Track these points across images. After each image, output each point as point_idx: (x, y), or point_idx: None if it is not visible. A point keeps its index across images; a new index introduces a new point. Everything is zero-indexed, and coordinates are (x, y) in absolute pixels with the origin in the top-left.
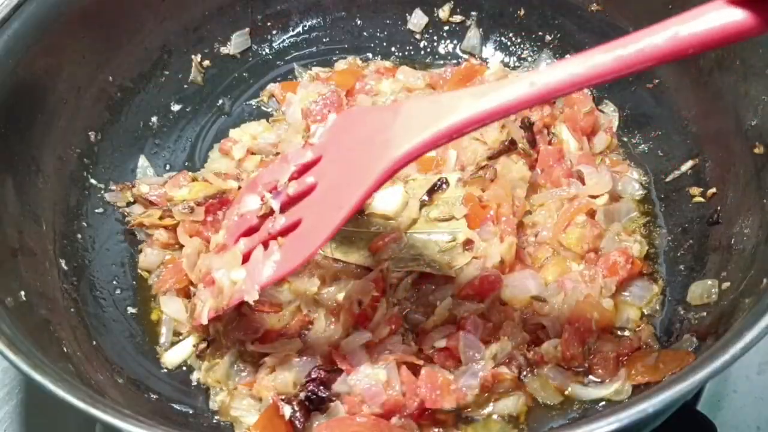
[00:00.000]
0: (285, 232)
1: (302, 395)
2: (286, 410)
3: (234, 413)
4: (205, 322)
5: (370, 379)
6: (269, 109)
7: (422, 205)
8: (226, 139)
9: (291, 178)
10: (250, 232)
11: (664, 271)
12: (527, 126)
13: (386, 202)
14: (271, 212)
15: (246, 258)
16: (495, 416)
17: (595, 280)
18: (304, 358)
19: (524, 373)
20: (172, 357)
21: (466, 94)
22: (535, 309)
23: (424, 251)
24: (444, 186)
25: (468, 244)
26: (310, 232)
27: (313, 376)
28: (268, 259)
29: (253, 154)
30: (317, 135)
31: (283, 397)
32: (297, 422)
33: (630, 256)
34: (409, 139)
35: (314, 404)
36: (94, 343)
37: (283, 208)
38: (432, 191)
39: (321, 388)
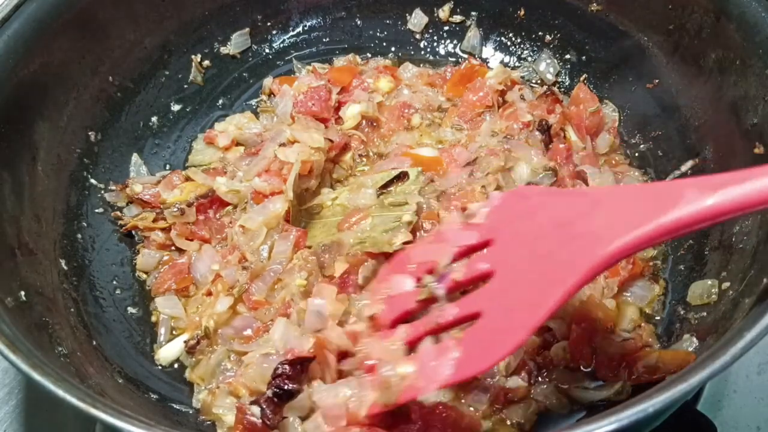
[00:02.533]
0: (458, 323)
1: (269, 392)
2: (255, 411)
3: (216, 411)
4: (364, 415)
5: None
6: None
7: (380, 193)
8: (211, 129)
9: (453, 260)
10: (407, 315)
11: (666, 272)
12: (545, 128)
13: None
14: (433, 298)
15: (409, 345)
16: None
17: (598, 280)
18: (272, 356)
19: (535, 378)
20: (165, 353)
21: (687, 185)
22: None
23: (371, 233)
24: (404, 178)
25: (413, 228)
26: (500, 330)
27: (279, 372)
28: (445, 356)
29: (237, 144)
30: (479, 215)
31: (253, 398)
32: (267, 420)
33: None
34: (622, 231)
35: (282, 399)
36: (94, 343)
37: (449, 294)
38: (391, 182)
39: (287, 382)
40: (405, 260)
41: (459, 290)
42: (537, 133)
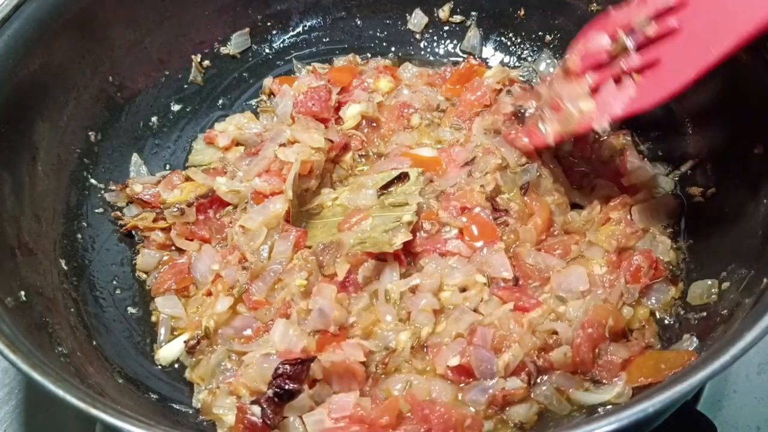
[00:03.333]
0: (639, 70)
1: (270, 392)
2: (255, 411)
3: (216, 411)
4: (551, 143)
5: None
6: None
7: (381, 193)
8: (211, 129)
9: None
10: (597, 67)
11: (683, 273)
12: (520, 114)
13: None
14: (624, 51)
15: (593, 91)
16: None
17: (615, 285)
18: (272, 356)
19: (534, 380)
20: (165, 353)
21: None
22: (552, 308)
23: (372, 233)
24: (405, 179)
25: (413, 228)
26: (671, 72)
27: (279, 372)
28: (621, 93)
29: (237, 144)
30: None
31: (253, 398)
32: (267, 420)
33: (654, 260)
34: None
35: (283, 399)
36: (94, 343)
37: (638, 48)
38: (391, 183)
39: (287, 381)
40: (606, 20)
41: (648, 45)
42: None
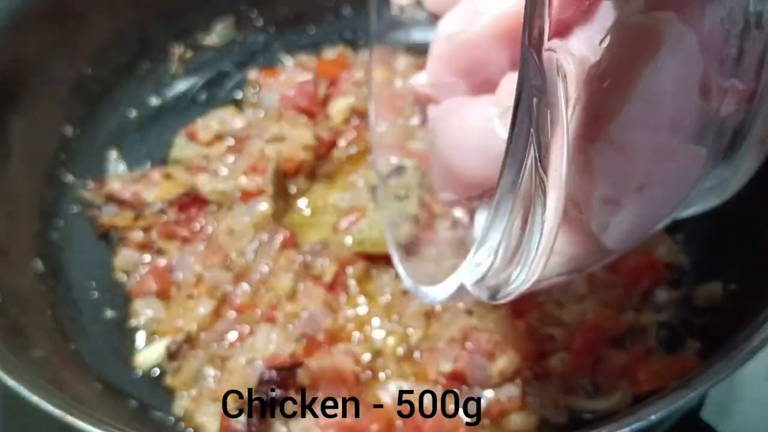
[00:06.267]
0: None
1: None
2: (240, 419)
3: (199, 419)
4: None
5: None
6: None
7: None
8: (192, 123)
9: None
10: None
11: (686, 277)
12: None
13: None
14: None
15: None
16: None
17: (614, 288)
18: (257, 362)
19: (530, 387)
20: (145, 358)
21: None
22: (549, 312)
23: (371, 233)
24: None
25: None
26: None
27: (265, 378)
28: None
29: (219, 139)
30: None
31: (237, 405)
32: (252, 428)
33: (655, 262)
34: None
35: (270, 406)
36: (71, 347)
37: None
38: (388, 177)
39: (273, 388)
40: None
41: None
42: None
